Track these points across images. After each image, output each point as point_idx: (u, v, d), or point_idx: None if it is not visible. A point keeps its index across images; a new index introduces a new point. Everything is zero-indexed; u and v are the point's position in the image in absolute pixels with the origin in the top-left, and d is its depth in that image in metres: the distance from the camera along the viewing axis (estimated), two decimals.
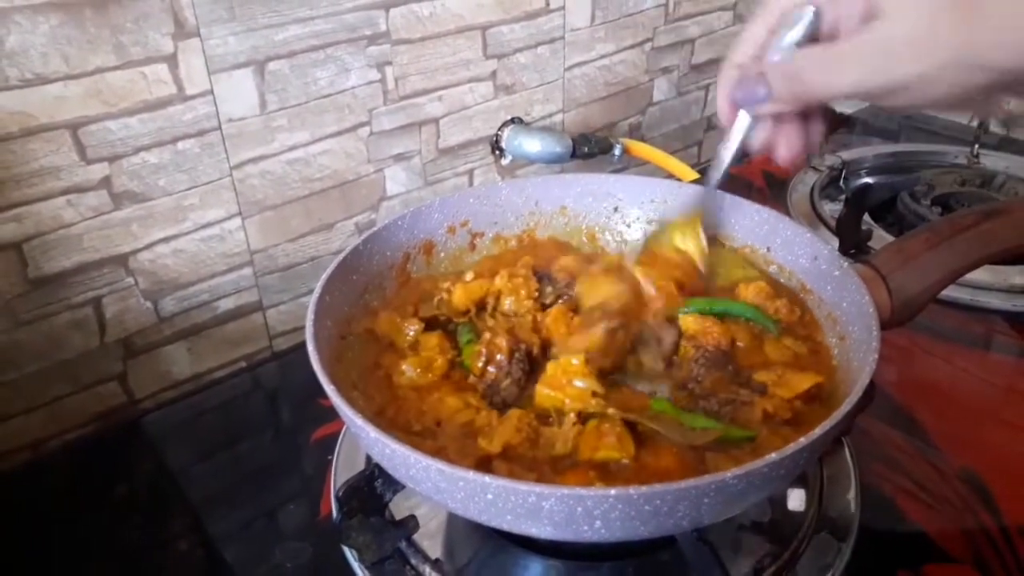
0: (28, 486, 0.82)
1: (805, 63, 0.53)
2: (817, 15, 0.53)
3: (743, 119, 0.60)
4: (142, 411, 0.94)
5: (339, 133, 0.98)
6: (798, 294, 0.76)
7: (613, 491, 0.49)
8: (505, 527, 0.54)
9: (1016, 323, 0.96)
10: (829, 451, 0.76)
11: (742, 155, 0.63)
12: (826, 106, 0.58)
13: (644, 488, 0.49)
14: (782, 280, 0.77)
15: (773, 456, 0.51)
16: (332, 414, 0.59)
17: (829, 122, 0.60)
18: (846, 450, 0.76)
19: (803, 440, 0.53)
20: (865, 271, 0.68)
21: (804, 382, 0.64)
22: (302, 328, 0.64)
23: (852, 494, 0.73)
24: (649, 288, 0.70)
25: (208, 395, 0.95)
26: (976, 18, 0.47)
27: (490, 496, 0.51)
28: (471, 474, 0.50)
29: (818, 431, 0.53)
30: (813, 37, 0.54)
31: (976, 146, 1.22)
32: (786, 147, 0.59)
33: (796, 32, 0.54)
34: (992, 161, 1.22)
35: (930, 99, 0.50)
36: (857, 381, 0.58)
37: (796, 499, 0.70)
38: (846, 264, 0.69)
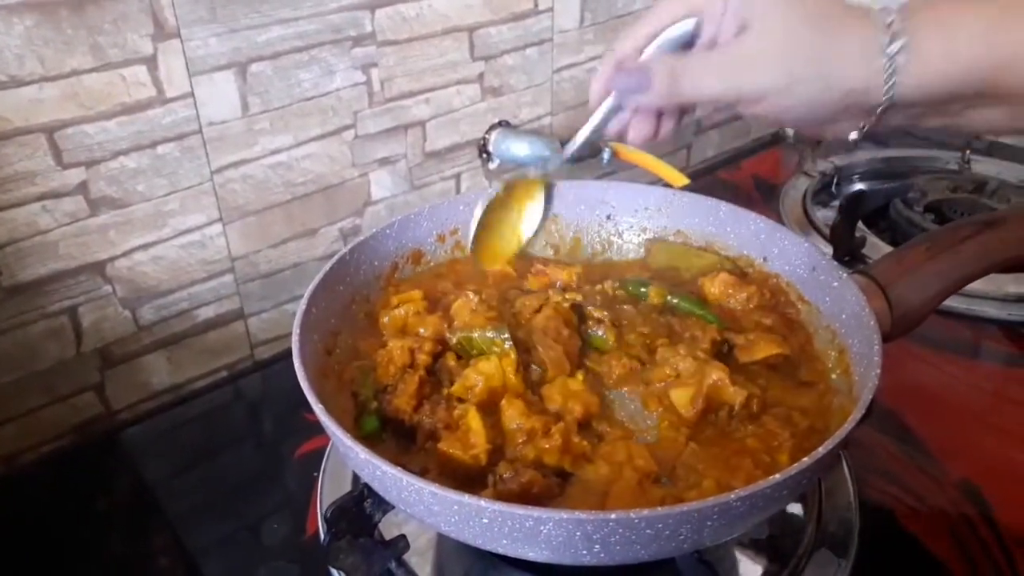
0: (2, 500, 0.80)
1: (684, 66, 0.57)
2: (697, 26, 0.58)
3: (607, 103, 0.63)
4: (120, 423, 0.91)
5: (323, 136, 0.95)
6: (767, 279, 0.76)
7: (614, 515, 0.48)
8: (500, 551, 0.52)
9: (1011, 332, 0.95)
10: None
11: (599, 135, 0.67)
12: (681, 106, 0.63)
13: (646, 512, 0.48)
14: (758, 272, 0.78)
15: (777, 477, 0.50)
16: (316, 428, 0.57)
17: (679, 121, 0.65)
18: (844, 464, 0.74)
19: (807, 460, 0.52)
20: (864, 282, 0.67)
21: (767, 349, 0.68)
22: (284, 336, 0.62)
23: (851, 508, 0.71)
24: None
25: (188, 406, 0.93)
26: (829, 41, 0.52)
27: (486, 520, 0.49)
28: (466, 498, 0.49)
29: (821, 450, 0.52)
30: (689, 45, 0.59)
31: (967, 151, 1.22)
32: (636, 134, 0.64)
33: (676, 38, 0.59)
34: (983, 167, 1.21)
35: (784, 109, 0.55)
36: (860, 397, 0.57)
37: (795, 515, 0.68)
38: (845, 275, 0.67)
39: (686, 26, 0.58)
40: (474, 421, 0.60)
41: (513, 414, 0.61)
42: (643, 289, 0.75)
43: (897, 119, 0.55)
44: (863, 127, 0.56)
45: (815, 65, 0.53)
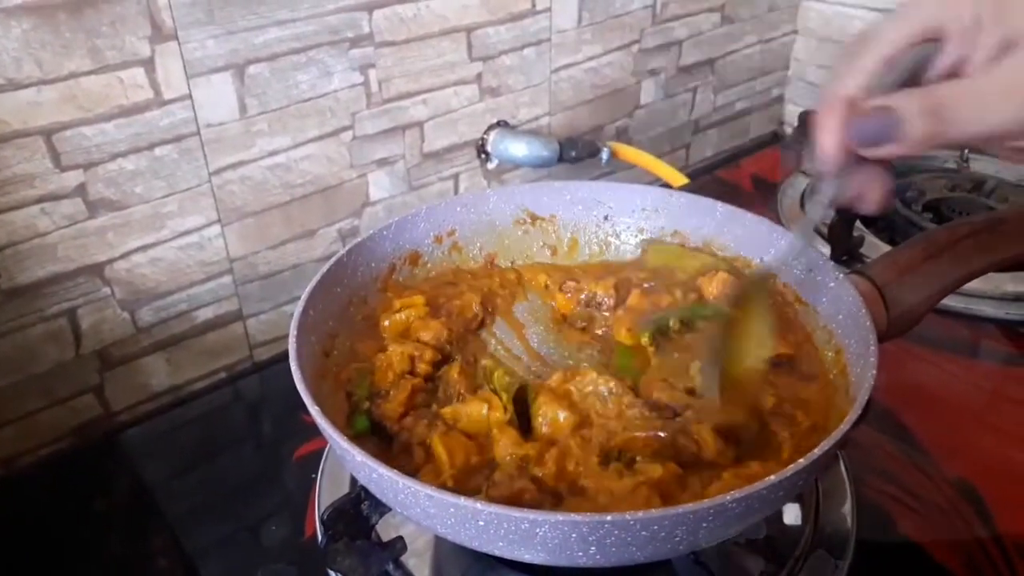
0: (1, 503, 0.80)
1: (950, 97, 0.46)
2: (927, 51, 0.48)
3: (830, 184, 0.52)
4: (119, 424, 0.91)
5: (321, 137, 0.96)
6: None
7: (609, 517, 0.48)
8: (497, 553, 0.52)
9: (1009, 331, 0.95)
10: None
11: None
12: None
13: (641, 514, 0.48)
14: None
15: (772, 478, 0.50)
16: (315, 430, 0.57)
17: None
18: (841, 463, 0.74)
19: (802, 461, 0.51)
20: (861, 283, 0.67)
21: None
22: (283, 338, 0.62)
23: (848, 508, 0.71)
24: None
25: (187, 408, 0.93)
26: None
27: (482, 523, 0.49)
28: (462, 500, 0.49)
29: (817, 451, 0.52)
30: (916, 79, 0.49)
31: (965, 151, 1.21)
32: (878, 194, 0.52)
33: (910, 68, 0.49)
34: (982, 166, 1.21)
35: None
36: (857, 397, 0.57)
37: (792, 515, 0.68)
38: (841, 276, 0.67)
39: (924, 51, 0.48)
40: (438, 448, 0.59)
41: (506, 443, 0.59)
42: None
43: None
44: None
45: None
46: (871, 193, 0.52)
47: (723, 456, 0.59)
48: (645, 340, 0.69)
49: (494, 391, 0.64)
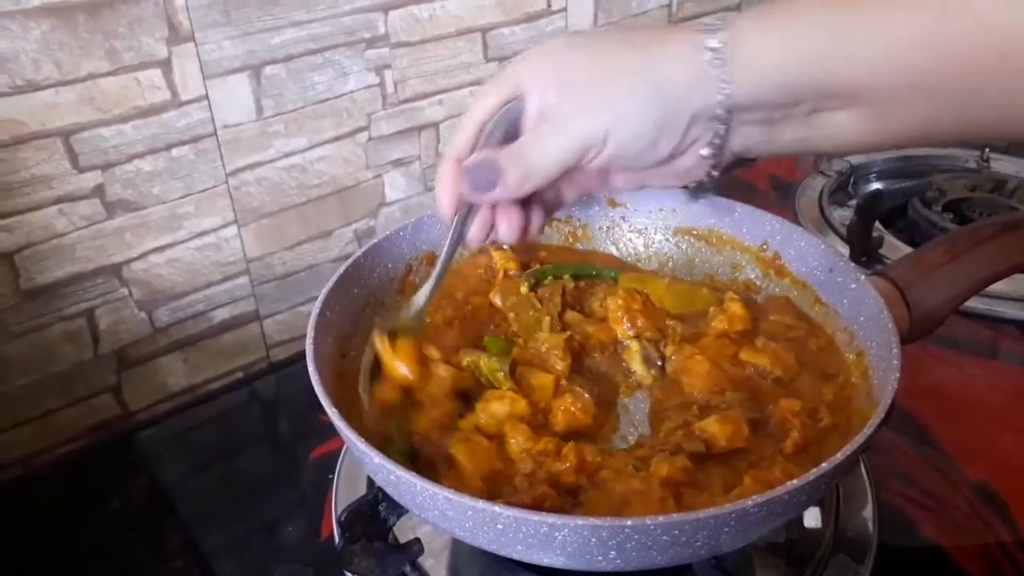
0: (18, 502, 0.81)
1: (523, 142, 0.55)
2: (518, 107, 0.57)
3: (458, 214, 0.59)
4: (136, 424, 0.92)
5: (337, 138, 0.96)
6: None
7: (630, 521, 0.47)
8: (515, 556, 0.52)
9: None
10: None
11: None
12: (543, 193, 0.60)
13: (662, 518, 0.47)
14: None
15: (795, 483, 0.49)
16: (332, 430, 0.56)
17: (547, 209, 0.63)
18: (862, 467, 0.74)
19: (825, 465, 0.51)
20: (882, 284, 0.66)
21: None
22: (300, 338, 0.62)
23: (869, 512, 0.71)
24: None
25: (204, 408, 0.93)
26: (647, 55, 0.53)
27: (500, 526, 0.49)
28: (480, 503, 0.48)
29: (840, 456, 0.51)
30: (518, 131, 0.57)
31: (986, 150, 1.20)
32: (508, 229, 0.60)
33: (507, 122, 0.57)
34: (1003, 165, 1.20)
35: (633, 137, 0.53)
36: (880, 400, 0.56)
37: (812, 519, 0.68)
38: (863, 277, 0.67)
39: (515, 107, 0.57)
40: (461, 455, 0.58)
41: (520, 440, 0.58)
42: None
43: (746, 135, 0.54)
44: (714, 142, 0.54)
45: (638, 77, 0.52)
46: (504, 228, 0.60)
47: (737, 438, 0.59)
48: (524, 288, 0.73)
49: (489, 383, 0.64)
